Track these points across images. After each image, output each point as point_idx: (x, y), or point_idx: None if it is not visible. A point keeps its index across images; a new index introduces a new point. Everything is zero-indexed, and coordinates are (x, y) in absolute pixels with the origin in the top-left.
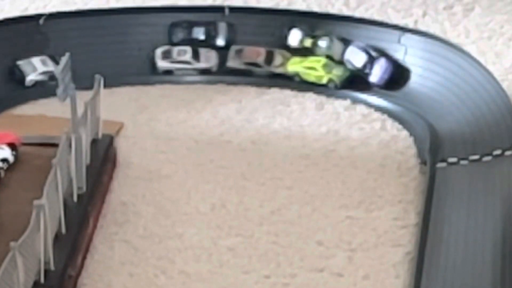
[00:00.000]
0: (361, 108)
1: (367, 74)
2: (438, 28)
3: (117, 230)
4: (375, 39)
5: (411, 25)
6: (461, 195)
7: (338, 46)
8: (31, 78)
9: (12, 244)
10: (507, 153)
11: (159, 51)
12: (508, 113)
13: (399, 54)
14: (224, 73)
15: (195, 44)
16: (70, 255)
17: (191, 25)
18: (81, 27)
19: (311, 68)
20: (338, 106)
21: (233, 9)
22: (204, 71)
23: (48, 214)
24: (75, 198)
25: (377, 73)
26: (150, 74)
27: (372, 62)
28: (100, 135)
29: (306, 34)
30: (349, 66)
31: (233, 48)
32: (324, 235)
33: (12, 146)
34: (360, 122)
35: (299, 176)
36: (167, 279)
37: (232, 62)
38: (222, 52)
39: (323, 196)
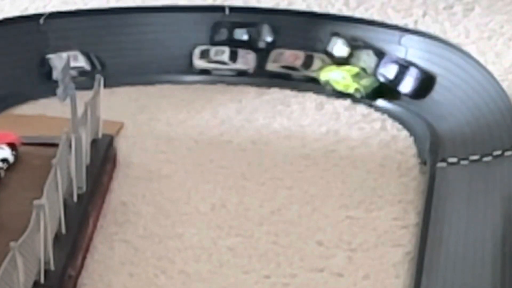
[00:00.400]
0: (361, 108)
1: (398, 85)
2: (438, 28)
3: (117, 230)
4: (375, 40)
5: (411, 25)
6: (461, 195)
7: (372, 59)
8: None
9: (12, 244)
10: (507, 153)
11: (197, 50)
12: (508, 113)
13: (399, 55)
14: (261, 76)
15: (237, 45)
16: (70, 255)
17: (234, 25)
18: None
19: (342, 77)
20: (338, 106)
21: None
22: (241, 73)
23: (48, 214)
24: (75, 198)
25: (408, 84)
26: (151, 74)
27: (404, 72)
28: (100, 135)
29: (346, 44)
30: (382, 79)
31: (275, 51)
32: (324, 235)
33: (12, 146)
34: (360, 122)
35: (299, 176)
36: (167, 279)
37: (271, 65)
38: (264, 54)
39: (323, 196)
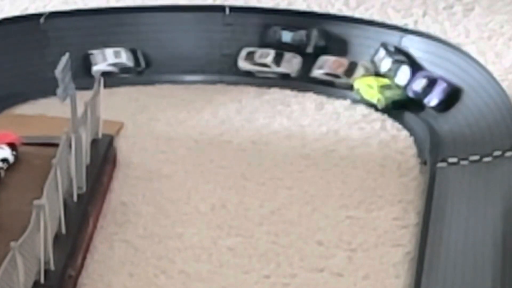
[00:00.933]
0: (361, 108)
1: (424, 98)
2: (438, 28)
3: (117, 230)
4: (376, 40)
5: (411, 25)
6: (461, 195)
7: (406, 75)
8: (98, 68)
9: (12, 244)
10: (508, 154)
11: (244, 52)
12: (508, 114)
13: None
14: (303, 80)
15: (285, 49)
16: (70, 255)
17: (284, 29)
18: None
19: (370, 86)
20: (338, 106)
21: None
22: (284, 76)
23: (48, 214)
24: (75, 198)
25: (435, 97)
26: (152, 74)
27: (432, 86)
28: (100, 135)
29: (390, 56)
30: (410, 94)
31: (322, 58)
32: (324, 235)
33: (12, 146)
34: (360, 122)
35: (299, 176)
36: (167, 279)
37: (316, 72)
38: (311, 59)
39: (323, 196)
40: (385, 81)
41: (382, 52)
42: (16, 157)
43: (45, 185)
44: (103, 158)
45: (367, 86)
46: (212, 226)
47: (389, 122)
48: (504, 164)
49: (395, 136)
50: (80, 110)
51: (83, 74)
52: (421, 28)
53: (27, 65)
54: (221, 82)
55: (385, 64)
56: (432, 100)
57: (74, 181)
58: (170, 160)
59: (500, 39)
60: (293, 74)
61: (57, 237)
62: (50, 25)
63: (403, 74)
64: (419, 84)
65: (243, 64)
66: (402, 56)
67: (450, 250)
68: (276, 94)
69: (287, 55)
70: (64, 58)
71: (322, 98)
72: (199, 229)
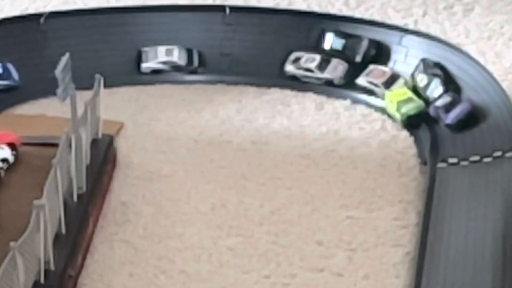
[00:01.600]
0: (361, 108)
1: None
2: (438, 28)
3: (117, 230)
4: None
5: (411, 25)
6: (461, 195)
7: (438, 90)
8: (147, 65)
9: (12, 244)
10: (508, 154)
11: (293, 56)
12: (508, 114)
13: (400, 56)
14: (346, 88)
15: (334, 55)
16: (70, 255)
17: (339, 35)
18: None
19: (391, 101)
20: (338, 106)
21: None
22: (329, 82)
23: (48, 214)
24: (75, 198)
25: (454, 116)
26: (152, 74)
27: (454, 105)
28: (100, 135)
29: (426, 71)
30: (432, 111)
31: (371, 66)
32: (324, 235)
33: (12, 146)
34: (360, 122)
35: (299, 176)
36: (167, 279)
37: (361, 79)
38: (358, 66)
39: (323, 196)
40: (407, 95)
41: (421, 67)
42: (16, 157)
43: (45, 185)
44: (103, 158)
45: (389, 101)
46: (212, 226)
47: (389, 122)
48: (504, 164)
49: (395, 136)
50: (80, 110)
51: (133, 71)
52: (421, 28)
53: (27, 65)
54: (221, 82)
55: (422, 79)
56: (450, 118)
57: (74, 181)
58: (170, 160)
59: (500, 39)
60: (336, 81)
61: (57, 237)
62: (50, 25)
63: (436, 89)
64: (443, 100)
65: (289, 68)
66: (438, 71)
67: (450, 250)
68: (276, 94)
69: (334, 62)
70: (64, 58)
71: (322, 98)
72: (199, 229)
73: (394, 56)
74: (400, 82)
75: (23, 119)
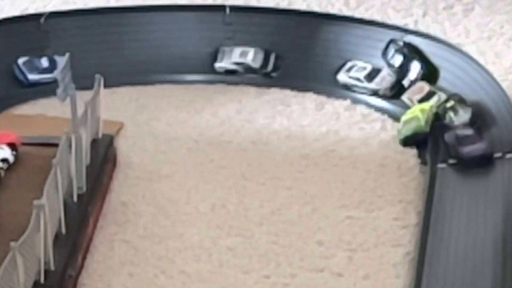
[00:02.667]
0: (361, 108)
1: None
2: (438, 28)
3: (117, 230)
4: (375, 40)
5: (411, 25)
6: (461, 196)
7: (467, 115)
8: (220, 65)
9: (12, 244)
10: (508, 155)
11: (349, 64)
12: (508, 114)
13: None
14: (389, 100)
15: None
16: (70, 255)
17: (397, 50)
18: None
19: (401, 119)
20: (338, 106)
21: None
22: (375, 92)
23: (48, 214)
24: (75, 198)
25: (470, 150)
26: (152, 74)
27: (474, 139)
28: (100, 135)
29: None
30: (448, 138)
31: (418, 84)
32: (324, 235)
33: (12, 146)
34: (360, 122)
35: (299, 176)
36: (167, 279)
37: (405, 94)
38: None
39: (323, 196)
40: (415, 113)
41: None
42: (16, 157)
43: (45, 185)
44: (103, 158)
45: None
46: (212, 226)
47: (389, 122)
48: (504, 165)
49: (395, 136)
50: (80, 110)
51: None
52: (421, 28)
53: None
54: (221, 82)
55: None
56: (465, 151)
57: (74, 181)
58: (170, 160)
59: (500, 39)
60: (381, 92)
61: (57, 237)
62: (50, 25)
63: (465, 114)
64: (464, 131)
65: (341, 76)
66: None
67: (450, 250)
68: (276, 94)
69: (383, 72)
70: (64, 58)
71: (322, 98)
72: (199, 229)
73: None
74: (434, 99)
75: (23, 119)
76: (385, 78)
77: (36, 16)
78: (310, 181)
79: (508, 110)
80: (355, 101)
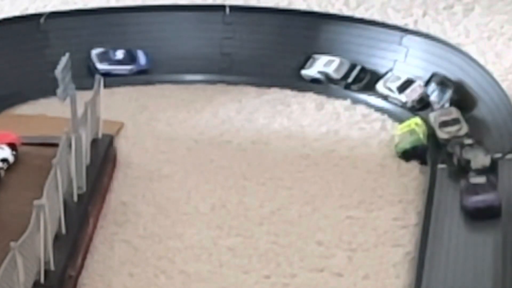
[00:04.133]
0: (361, 108)
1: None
2: (438, 28)
3: (117, 230)
4: (376, 40)
5: (411, 25)
6: None
7: (486, 160)
8: (306, 72)
9: (12, 244)
10: (508, 156)
11: (389, 75)
12: (508, 114)
13: (400, 56)
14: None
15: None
16: (70, 255)
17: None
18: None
19: (395, 134)
20: (338, 106)
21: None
22: (403, 104)
23: (48, 214)
24: (75, 198)
25: (476, 201)
26: (152, 74)
27: (485, 188)
28: (100, 135)
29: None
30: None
31: (450, 108)
32: (324, 235)
33: (12, 146)
34: (360, 122)
35: (299, 176)
36: (167, 279)
37: (432, 114)
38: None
39: (323, 196)
40: (411, 127)
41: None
42: (16, 157)
43: (45, 185)
44: (103, 158)
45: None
46: (212, 226)
47: (389, 122)
48: (504, 166)
49: (395, 136)
50: (80, 110)
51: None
52: (421, 28)
53: (27, 65)
54: (221, 82)
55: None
56: (470, 201)
57: (74, 181)
58: (170, 160)
59: (500, 39)
60: (409, 104)
61: (57, 237)
62: (50, 25)
63: (485, 158)
64: (478, 179)
65: (379, 86)
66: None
67: (450, 250)
68: (276, 94)
69: (415, 84)
70: (64, 58)
71: (322, 98)
72: (199, 229)
73: (394, 56)
74: (455, 127)
75: (23, 119)
76: (416, 90)
77: (36, 16)
78: (310, 181)
79: (508, 110)
80: (355, 101)
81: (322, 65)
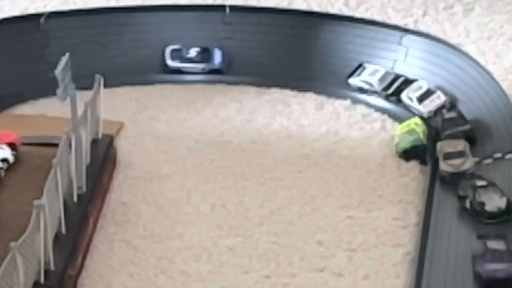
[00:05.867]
0: (361, 108)
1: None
2: (438, 28)
3: (117, 230)
4: (376, 40)
5: (411, 25)
6: None
7: (501, 202)
8: (352, 80)
9: (12, 244)
10: (508, 156)
11: (416, 85)
12: (508, 115)
13: (400, 56)
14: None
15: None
16: (70, 255)
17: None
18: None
19: (395, 134)
20: (338, 106)
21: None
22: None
23: (48, 214)
24: (75, 198)
25: (493, 271)
26: (155, 73)
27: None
28: (100, 135)
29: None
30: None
31: (457, 140)
32: (324, 235)
33: (12, 146)
34: (360, 122)
35: (299, 176)
36: (167, 279)
37: (438, 146)
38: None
39: (323, 196)
40: (410, 126)
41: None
42: (16, 157)
43: (45, 185)
44: (103, 158)
45: (396, 134)
46: (212, 226)
47: (389, 122)
48: (504, 166)
49: (395, 136)
50: (80, 110)
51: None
52: (421, 28)
53: (27, 65)
54: (221, 82)
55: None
56: (485, 270)
57: (74, 181)
58: (170, 160)
59: (500, 39)
60: (425, 115)
61: (57, 237)
62: (50, 25)
63: (500, 201)
64: (495, 244)
65: (403, 96)
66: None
67: (450, 250)
68: (276, 94)
69: (434, 95)
70: (64, 58)
71: (322, 98)
72: (199, 229)
73: (394, 56)
74: (459, 160)
75: (23, 119)
76: (434, 101)
77: (36, 16)
78: (310, 181)
79: (508, 110)
80: (355, 101)
81: (368, 74)
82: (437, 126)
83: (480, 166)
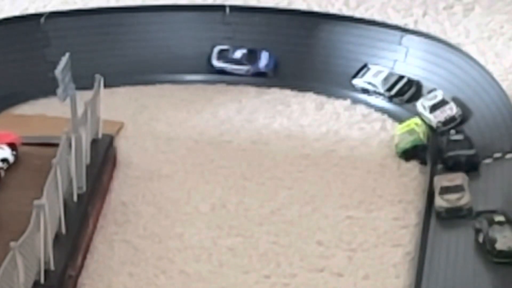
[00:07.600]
0: (361, 108)
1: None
2: (438, 28)
3: (117, 230)
4: (375, 40)
5: (411, 25)
6: None
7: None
8: (356, 81)
9: (12, 244)
10: (508, 156)
11: (433, 93)
12: (508, 115)
13: (400, 56)
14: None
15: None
16: (70, 255)
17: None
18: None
19: (395, 134)
20: (338, 106)
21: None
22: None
23: (48, 214)
24: (75, 198)
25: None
26: (152, 74)
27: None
28: (100, 135)
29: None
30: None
31: (458, 173)
32: (324, 235)
33: (12, 146)
34: (360, 122)
35: (299, 176)
36: (167, 279)
37: (436, 179)
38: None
39: (323, 196)
40: (410, 126)
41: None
42: (16, 157)
43: (45, 185)
44: (103, 158)
45: (396, 134)
46: (212, 226)
47: (389, 122)
48: (504, 166)
49: (395, 136)
50: (80, 110)
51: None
52: (421, 28)
53: (27, 65)
54: (221, 82)
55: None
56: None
57: (74, 181)
58: (170, 160)
59: (500, 39)
60: (434, 125)
61: (57, 237)
62: (50, 25)
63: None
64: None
65: (418, 104)
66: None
67: (451, 250)
68: (276, 94)
69: (447, 106)
70: (64, 58)
71: (322, 98)
72: (199, 229)
73: (394, 56)
74: (456, 194)
75: (23, 119)
76: (445, 111)
77: (36, 16)
78: (310, 181)
79: (508, 110)
80: (355, 101)
81: (371, 75)
82: (442, 145)
83: (480, 166)
